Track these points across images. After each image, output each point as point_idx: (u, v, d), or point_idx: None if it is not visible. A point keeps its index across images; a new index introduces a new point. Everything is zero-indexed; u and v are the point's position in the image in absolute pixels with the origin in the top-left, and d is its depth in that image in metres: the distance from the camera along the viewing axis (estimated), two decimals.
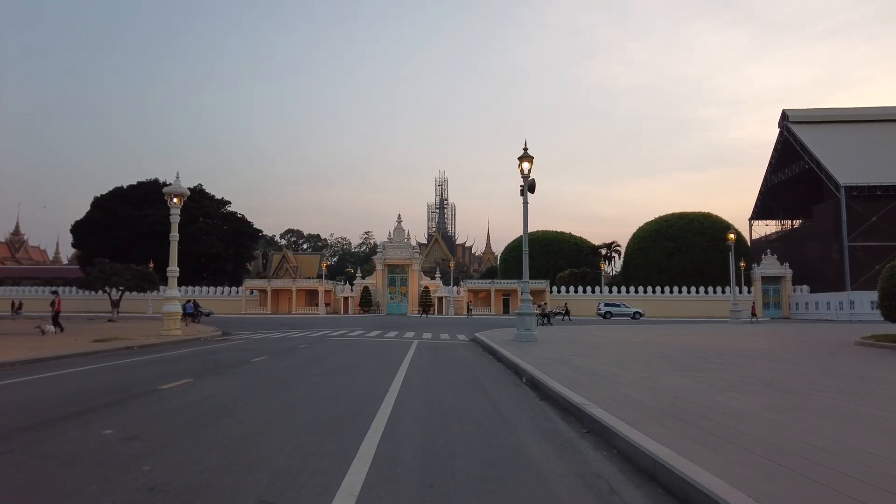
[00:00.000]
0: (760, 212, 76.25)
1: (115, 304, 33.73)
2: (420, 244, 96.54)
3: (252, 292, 61.00)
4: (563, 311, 40.97)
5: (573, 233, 71.88)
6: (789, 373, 8.93)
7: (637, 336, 19.64)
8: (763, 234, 77.46)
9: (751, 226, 77.17)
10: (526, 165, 16.70)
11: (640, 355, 11.86)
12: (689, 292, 57.62)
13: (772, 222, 78.21)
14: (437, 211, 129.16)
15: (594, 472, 3.83)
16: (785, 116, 67.63)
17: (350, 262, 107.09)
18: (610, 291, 58.00)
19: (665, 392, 6.71)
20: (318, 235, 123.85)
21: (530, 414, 6.04)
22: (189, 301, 34.03)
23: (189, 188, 73.47)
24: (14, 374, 8.80)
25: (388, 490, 3.32)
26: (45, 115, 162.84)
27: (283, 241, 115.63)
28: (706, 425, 4.80)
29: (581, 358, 11.14)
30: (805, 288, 58.06)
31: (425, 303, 58.24)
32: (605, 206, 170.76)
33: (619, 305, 49.08)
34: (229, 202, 72.46)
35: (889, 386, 7.52)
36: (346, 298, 59.08)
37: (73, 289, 53.13)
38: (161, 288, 56.72)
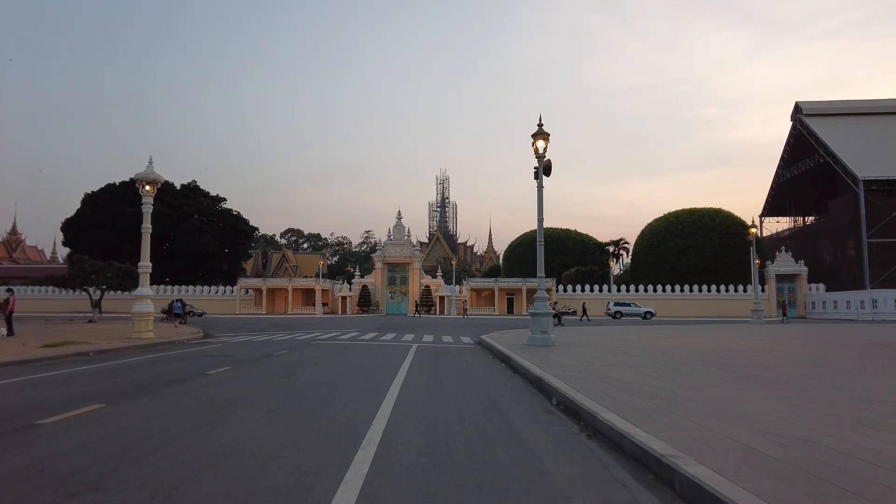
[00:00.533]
0: (772, 208, 74.01)
1: (97, 303, 31.66)
2: (421, 243, 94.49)
3: (247, 292, 58.92)
4: (573, 311, 38.86)
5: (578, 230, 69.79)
6: None
7: (663, 338, 17.51)
8: (774, 232, 75.20)
9: (761, 223, 74.88)
10: (541, 144, 14.57)
11: (686, 363, 9.74)
12: (700, 291, 55.39)
13: (783, 219, 75.94)
14: (438, 209, 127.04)
15: None
16: (798, 109, 65.36)
17: (351, 261, 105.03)
18: (618, 290, 55.79)
19: (770, 426, 4.59)
20: (318, 235, 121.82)
21: (583, 468, 3.94)
22: (177, 301, 32.09)
23: (183, 184, 71.42)
24: None
25: None
26: (43, 114, 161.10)
27: (283, 241, 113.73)
28: None
29: (618, 368, 9.02)
30: (821, 286, 55.81)
31: (426, 302, 56.11)
32: (606, 207, 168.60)
33: (629, 305, 46.89)
34: (224, 199, 70.46)
35: None
36: (344, 298, 56.96)
37: (62, 288, 51.00)
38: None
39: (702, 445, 4.01)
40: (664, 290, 55.53)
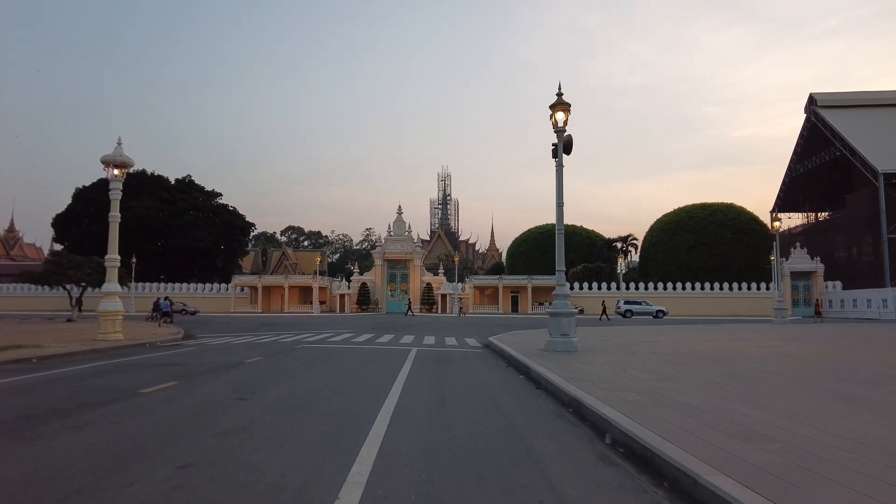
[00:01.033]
0: (784, 204, 71.70)
1: (77, 301, 29.69)
2: (423, 241, 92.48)
3: (242, 290, 56.95)
4: (581, 310, 36.80)
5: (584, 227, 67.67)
6: None
7: (695, 340, 15.48)
8: (786, 228, 72.88)
9: (772, 219, 72.58)
10: (560, 116, 12.55)
11: (756, 377, 7.71)
12: (712, 289, 53.30)
13: (795, 215, 73.66)
14: (439, 206, 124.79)
15: None
16: (812, 101, 63.05)
17: (352, 258, 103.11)
18: (627, 288, 53.67)
19: None
20: (318, 233, 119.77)
21: None
22: (163, 299, 30.20)
23: (177, 179, 69.48)
24: None
25: None
26: (44, 113, 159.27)
27: (284, 239, 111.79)
28: None
29: (674, 385, 6.99)
30: (837, 284, 53.68)
31: (427, 300, 54.05)
32: (609, 206, 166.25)
33: (640, 303, 44.81)
34: (220, 194, 68.50)
35: None
36: (342, 296, 54.90)
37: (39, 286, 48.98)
38: (135, 284, 53.26)
39: None
40: (675, 288, 53.47)
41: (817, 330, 23.48)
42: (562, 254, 12.31)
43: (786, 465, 3.50)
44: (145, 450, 4.12)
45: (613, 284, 53.88)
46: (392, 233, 55.88)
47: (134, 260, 51.25)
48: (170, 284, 57.25)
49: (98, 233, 61.95)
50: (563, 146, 12.64)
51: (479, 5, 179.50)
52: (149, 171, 66.52)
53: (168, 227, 61.39)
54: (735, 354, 11.29)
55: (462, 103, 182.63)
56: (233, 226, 67.65)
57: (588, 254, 60.82)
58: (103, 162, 16.04)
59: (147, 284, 55.67)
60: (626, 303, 44.06)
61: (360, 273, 57.94)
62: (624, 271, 53.03)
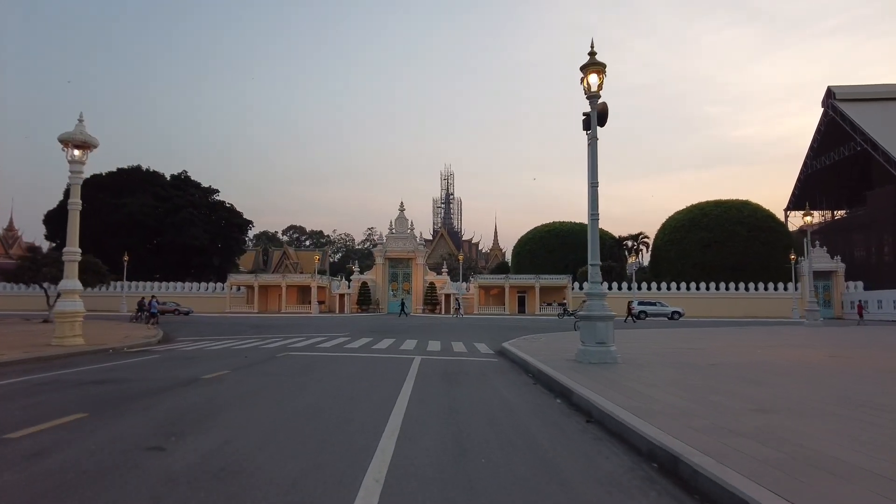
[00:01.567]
0: (798, 201, 69.23)
1: (56, 300, 27.61)
2: (426, 240, 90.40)
3: (238, 289, 54.89)
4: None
5: None
6: None
7: (744, 346, 13.31)
8: (801, 226, 70.46)
9: (786, 216, 70.29)
10: (593, 79, 10.44)
11: (886, 407, 5.55)
12: (727, 289, 51.02)
13: (812, 212, 71.17)
14: (442, 205, 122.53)
15: None
16: (831, 94, 60.65)
17: (354, 258, 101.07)
18: (639, 288, 51.40)
19: None
20: (320, 232, 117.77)
21: None
22: (148, 298, 28.24)
23: (173, 175, 67.36)
24: None
25: None
26: (44, 111, 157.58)
27: (285, 238, 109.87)
28: None
29: (794, 421, 4.83)
30: (859, 284, 51.35)
31: (430, 300, 51.86)
32: (613, 205, 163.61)
33: (654, 304, 42.55)
34: (217, 190, 66.50)
35: None
36: (342, 296, 52.69)
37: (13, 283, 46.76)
38: (127, 283, 51.13)
39: None
40: (688, 288, 51.21)
41: (870, 333, 21.22)
42: (596, 244, 10.16)
43: None
44: None
45: (624, 284, 51.64)
46: (394, 230, 53.72)
47: (126, 258, 49.24)
48: (164, 283, 55.22)
49: (88, 231, 59.89)
50: (598, 115, 10.51)
51: (482, 4, 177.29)
52: (144, 166, 64.71)
53: (163, 225, 59.40)
54: (809, 366, 9.13)
55: (464, 103, 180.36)
56: (230, 223, 65.65)
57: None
58: (61, 141, 13.94)
59: (140, 283, 53.59)
60: (641, 303, 41.78)
61: (361, 272, 55.79)
62: (635, 269, 50.79)
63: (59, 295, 26.90)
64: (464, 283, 53.95)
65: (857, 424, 4.82)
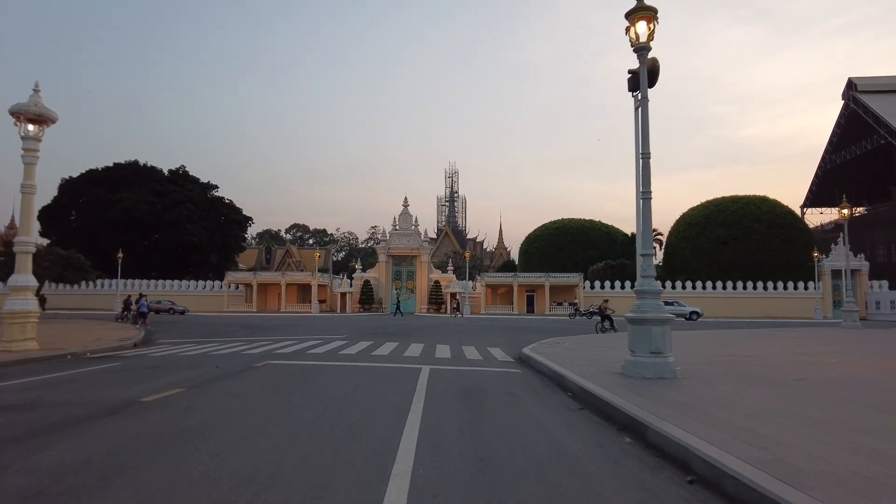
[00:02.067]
0: (816, 198, 67.04)
1: (41, 299, 25.84)
2: (430, 238, 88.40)
3: (236, 287, 53.05)
4: (612, 311, 32.57)
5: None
6: None
7: (808, 354, 11.30)
8: (819, 224, 68.18)
9: (803, 214, 67.97)
10: (642, 28, 8.43)
11: None
12: (745, 288, 48.84)
13: (828, 210, 68.90)
14: (447, 203, 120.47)
15: None
16: (852, 86, 58.39)
17: (357, 256, 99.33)
18: None
19: None
20: (324, 231, 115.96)
21: None
22: (135, 297, 26.44)
23: (171, 170, 65.34)
24: None
25: None
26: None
27: (289, 237, 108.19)
28: None
29: None
30: (884, 283, 49.02)
31: (435, 299, 49.84)
32: (619, 205, 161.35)
33: (671, 304, 40.35)
34: (216, 186, 64.75)
35: None
36: (343, 294, 50.71)
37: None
38: (122, 281, 49.38)
39: None
40: (704, 287, 49.06)
41: None
42: (649, 230, 8.19)
43: None
44: None
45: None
46: (397, 226, 51.72)
47: (120, 255, 47.46)
48: (160, 281, 53.41)
49: (84, 226, 58.40)
50: (648, 72, 8.52)
51: (485, 2, 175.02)
52: (141, 161, 62.96)
53: (160, 221, 57.64)
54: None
55: (468, 102, 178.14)
56: (230, 220, 63.90)
57: (608, 250, 56.50)
58: (12, 113, 12.12)
59: (136, 282, 51.77)
60: None
61: (363, 270, 53.82)
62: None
63: (38, 292, 25.07)
64: (470, 281, 51.95)
65: None
